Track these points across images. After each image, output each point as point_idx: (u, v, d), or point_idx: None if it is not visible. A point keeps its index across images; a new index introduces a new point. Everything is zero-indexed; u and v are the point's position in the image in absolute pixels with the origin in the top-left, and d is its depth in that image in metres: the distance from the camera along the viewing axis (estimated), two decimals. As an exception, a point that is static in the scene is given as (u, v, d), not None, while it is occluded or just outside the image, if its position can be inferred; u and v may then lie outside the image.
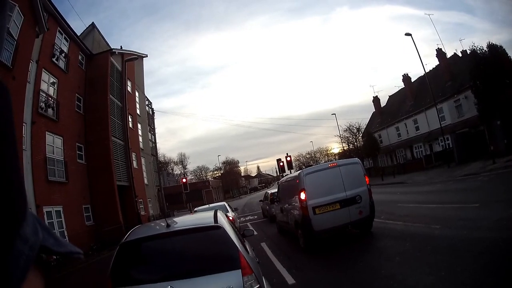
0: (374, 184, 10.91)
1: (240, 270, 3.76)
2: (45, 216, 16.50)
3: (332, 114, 57.72)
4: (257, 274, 4.03)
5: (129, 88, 29.79)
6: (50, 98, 18.89)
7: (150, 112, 39.99)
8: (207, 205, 15.27)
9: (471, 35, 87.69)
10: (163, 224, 4.46)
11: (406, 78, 44.75)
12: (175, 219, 5.23)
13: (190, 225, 4.60)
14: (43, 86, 18.40)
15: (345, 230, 9.87)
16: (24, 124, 15.50)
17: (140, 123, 33.24)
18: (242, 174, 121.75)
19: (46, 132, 18.14)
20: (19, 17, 13.92)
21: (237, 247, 4.02)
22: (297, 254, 9.73)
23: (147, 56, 35.64)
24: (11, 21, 13.25)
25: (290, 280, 7.23)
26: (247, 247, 4.90)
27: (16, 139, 0.49)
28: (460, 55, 35.71)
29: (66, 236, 17.79)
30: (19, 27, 13.99)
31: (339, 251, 9.00)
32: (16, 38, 13.76)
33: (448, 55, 37.85)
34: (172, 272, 3.83)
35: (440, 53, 37.55)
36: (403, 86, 45.96)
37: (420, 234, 8.74)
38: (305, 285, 6.92)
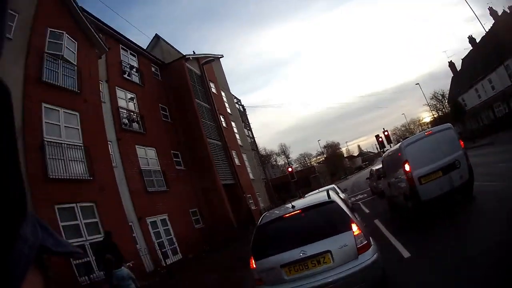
0: (467, 148, 10.96)
1: (351, 231, 4.88)
2: (150, 226, 17.05)
3: (416, 84, 56.06)
4: (365, 233, 5.10)
5: (213, 90, 30.00)
6: (132, 113, 19.55)
7: (241, 109, 40.25)
8: (317, 190, 14.63)
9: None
10: (289, 206, 5.86)
11: (471, 39, 46.18)
12: (298, 201, 6.53)
13: (310, 203, 5.73)
14: (121, 103, 19.05)
15: (450, 197, 9.64)
16: (109, 142, 16.06)
17: (233, 121, 33.43)
18: (345, 155, 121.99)
19: (136, 146, 18.73)
20: (71, 43, 14.35)
21: (348, 214, 5.24)
22: (409, 227, 9.75)
23: (223, 56, 35.70)
24: (63, 48, 13.67)
25: (405, 253, 7.27)
26: (356, 215, 6.26)
27: (16, 140, 0.49)
28: (509, 11, 36.56)
29: (175, 242, 18.17)
30: (75, 53, 14.44)
31: (447, 220, 8.93)
32: (75, 63, 14.22)
33: (499, 12, 39.11)
34: (301, 240, 4.99)
35: (493, 12, 39.46)
36: (471, 48, 46.76)
37: None
38: (420, 258, 6.85)
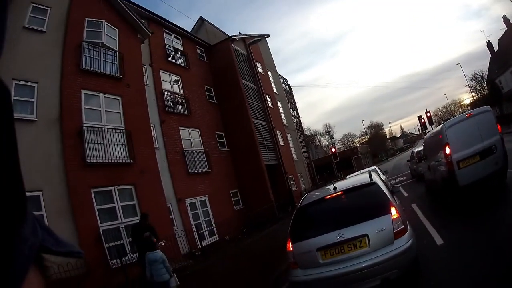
0: (503, 133, 10.14)
1: (390, 215, 4.86)
2: (189, 208, 17.55)
3: (457, 64, 57.73)
4: (403, 218, 5.05)
5: (260, 70, 29.65)
6: (177, 95, 19.95)
7: (288, 89, 39.67)
8: (358, 172, 14.59)
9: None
10: (331, 187, 5.85)
11: (505, 20, 45.73)
12: (339, 183, 6.62)
13: (352, 185, 5.79)
14: (166, 86, 19.48)
15: (486, 183, 9.39)
16: (152, 125, 16.46)
17: (279, 101, 33.02)
18: (388, 136, 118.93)
19: (180, 127, 19.17)
20: (111, 30, 14.75)
21: (388, 198, 5.20)
22: (445, 213, 9.70)
23: (269, 36, 34.93)
24: (103, 35, 14.10)
25: (439, 240, 7.24)
26: (395, 198, 6.03)
27: (16, 139, 0.49)
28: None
29: (213, 224, 18.59)
30: (117, 39, 14.84)
31: (482, 207, 8.67)
32: (117, 50, 14.63)
33: None
34: (340, 223, 4.96)
35: None
36: (506, 28, 45.92)
37: None
38: (453, 245, 6.80)
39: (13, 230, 0.46)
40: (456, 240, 6.95)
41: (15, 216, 0.47)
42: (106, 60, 13.98)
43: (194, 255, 15.04)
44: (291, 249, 5.20)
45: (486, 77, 53.29)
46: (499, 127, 9.65)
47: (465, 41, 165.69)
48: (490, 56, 52.59)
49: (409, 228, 5.04)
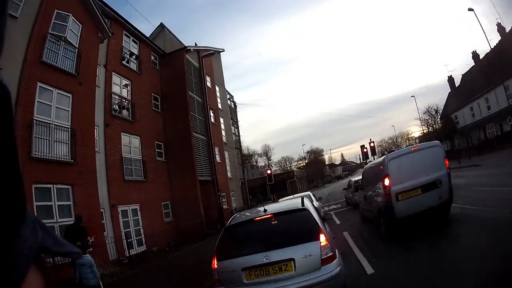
0: (451, 168, 10.37)
1: (318, 241, 4.89)
2: (120, 215, 17.26)
3: (411, 97, 57.47)
4: (332, 245, 5.10)
5: (208, 84, 29.99)
6: (124, 100, 19.65)
7: (232, 106, 40.33)
8: (291, 196, 15.01)
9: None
10: (261, 209, 5.83)
11: (475, 55, 43.93)
12: (271, 205, 6.63)
13: (282, 209, 5.81)
14: (115, 89, 19.16)
15: (425, 216, 9.46)
16: (96, 127, 16.18)
17: (222, 117, 33.48)
18: (327, 163, 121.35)
19: (122, 133, 18.87)
20: (76, 25, 14.43)
21: (318, 224, 5.21)
22: (378, 243, 9.81)
23: (224, 51, 35.60)
24: (67, 30, 13.78)
25: (369, 270, 7.30)
26: (326, 225, 6.00)
27: (16, 140, 0.50)
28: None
29: (142, 234, 18.43)
30: (78, 35, 14.53)
31: (418, 239, 8.86)
32: (77, 46, 14.31)
33: (507, 29, 36.65)
34: (267, 245, 5.00)
35: (500, 28, 36.88)
36: (474, 64, 44.63)
37: (496, 218, 8.53)
38: (383, 275, 6.88)
39: (13, 230, 0.47)
40: (387, 271, 7.01)
41: (15, 216, 0.48)
42: (66, 55, 13.63)
43: (122, 263, 14.88)
44: (216, 266, 5.18)
45: (441, 111, 53.87)
46: (447, 162, 9.66)
47: (427, 73, 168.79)
48: (450, 90, 53.19)
49: (337, 256, 5.08)
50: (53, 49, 13.06)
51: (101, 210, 15.36)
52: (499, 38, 37.37)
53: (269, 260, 4.77)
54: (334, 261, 4.92)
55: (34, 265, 0.50)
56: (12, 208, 0.47)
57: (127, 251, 15.39)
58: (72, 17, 14.02)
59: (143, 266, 14.14)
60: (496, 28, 37.30)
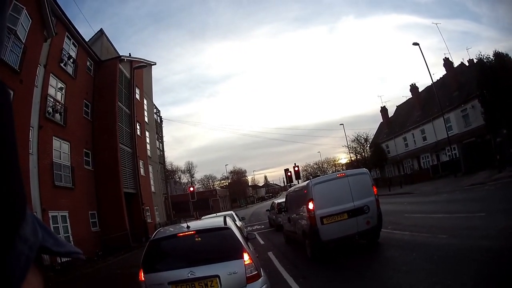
0: (381, 195, 11.32)
1: (242, 260, 4.95)
2: (51, 220, 16.48)
3: (340, 124, 55.34)
4: (256, 264, 5.20)
5: (137, 96, 29.89)
6: (58, 103, 18.94)
7: (158, 120, 40.37)
8: (214, 214, 15.16)
9: (478, 44, 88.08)
10: (184, 225, 5.88)
11: (413, 88, 44.41)
12: (194, 222, 6.88)
13: (205, 226, 5.94)
14: (51, 91, 18.48)
15: (352, 240, 9.85)
16: (31, 128, 15.50)
17: (148, 131, 33.28)
18: (250, 184, 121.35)
19: (53, 137, 18.17)
20: (26, 20, 13.98)
21: (241, 243, 5.25)
22: (304, 263, 9.72)
23: (155, 64, 35.89)
24: (18, 24, 13.31)
25: None
26: (249, 245, 6.06)
27: (16, 140, 0.49)
28: (467, 64, 35.52)
29: (72, 241, 17.65)
30: (27, 31, 14.06)
31: (346, 261, 9.03)
32: (23, 42, 13.82)
33: (455, 64, 37.67)
34: (191, 261, 5.02)
35: (447, 63, 37.26)
36: (411, 96, 45.85)
37: (427, 244, 8.76)
38: None
39: (13, 230, 0.46)
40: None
41: (15, 216, 0.47)
42: (12, 50, 13.09)
43: (54, 269, 14.39)
44: (143, 279, 5.15)
45: (370, 140, 54.57)
46: (375, 189, 9.88)
47: (359, 103, 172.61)
48: (382, 121, 53.89)
49: (263, 275, 5.18)
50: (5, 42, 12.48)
51: (33, 213, 14.54)
52: (444, 72, 38.54)
53: (194, 276, 4.80)
54: (260, 279, 5.04)
55: (34, 265, 0.50)
56: (12, 207, 0.46)
57: (58, 258, 14.72)
58: (25, 11, 13.56)
59: (75, 274, 14.15)
60: (443, 62, 37.69)
